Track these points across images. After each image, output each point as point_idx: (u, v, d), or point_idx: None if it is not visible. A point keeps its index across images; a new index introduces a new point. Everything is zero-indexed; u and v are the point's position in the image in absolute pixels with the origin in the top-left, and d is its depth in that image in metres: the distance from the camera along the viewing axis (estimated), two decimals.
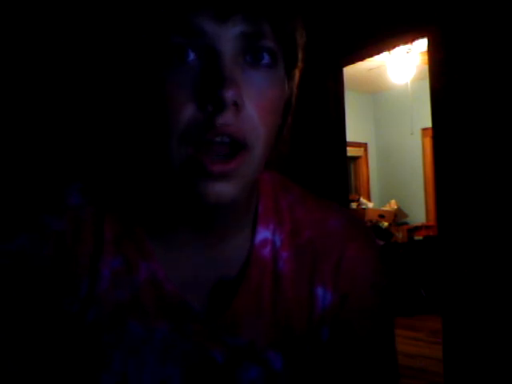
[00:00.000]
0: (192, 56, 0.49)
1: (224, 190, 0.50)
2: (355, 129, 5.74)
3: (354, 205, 5.78)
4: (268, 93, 0.51)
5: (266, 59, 0.51)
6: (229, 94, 0.47)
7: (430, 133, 3.58)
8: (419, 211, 6.11)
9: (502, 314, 2.17)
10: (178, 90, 0.48)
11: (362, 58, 3.17)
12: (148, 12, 0.49)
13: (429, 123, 2.61)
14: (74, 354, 0.55)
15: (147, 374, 0.56)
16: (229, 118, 0.48)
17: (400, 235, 5.47)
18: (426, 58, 2.67)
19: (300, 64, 0.57)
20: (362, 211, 5.74)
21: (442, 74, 2.39)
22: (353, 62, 3.16)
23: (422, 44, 3.94)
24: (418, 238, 5.40)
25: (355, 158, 6.58)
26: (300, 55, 0.56)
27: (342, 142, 3.17)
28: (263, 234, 0.62)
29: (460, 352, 2.34)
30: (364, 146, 6.64)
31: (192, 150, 0.49)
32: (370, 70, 5.19)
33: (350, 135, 3.56)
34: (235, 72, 0.49)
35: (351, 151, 5.47)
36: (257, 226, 0.62)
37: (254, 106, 0.50)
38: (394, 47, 3.20)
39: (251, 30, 0.49)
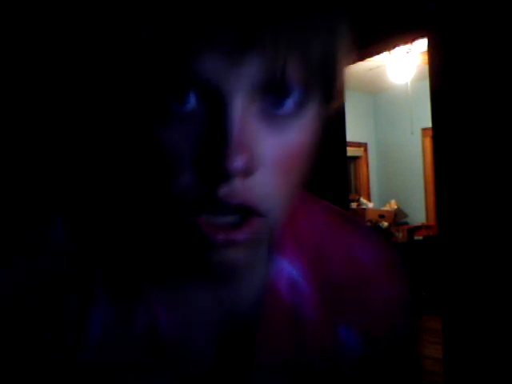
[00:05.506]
0: (193, 103, 0.37)
1: (235, 257, 0.40)
2: (355, 129, 5.74)
3: (353, 205, 5.78)
4: (291, 145, 0.40)
5: (290, 104, 0.38)
6: (237, 164, 0.35)
7: (430, 133, 3.58)
8: (419, 211, 6.11)
9: (501, 313, 2.17)
10: (174, 147, 0.37)
11: (362, 58, 3.17)
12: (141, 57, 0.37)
13: (429, 123, 2.61)
14: None
15: None
16: (234, 187, 0.37)
17: (400, 235, 5.47)
18: (426, 57, 2.67)
19: (339, 99, 0.44)
20: (362, 211, 5.74)
21: (442, 74, 2.39)
22: (353, 62, 3.16)
23: (422, 44, 3.94)
24: (418, 238, 5.41)
25: (355, 158, 6.59)
26: (340, 89, 0.44)
27: (342, 142, 3.17)
28: (279, 264, 0.52)
29: (460, 352, 2.34)
30: (364, 145, 6.64)
31: (191, 215, 0.39)
32: (370, 69, 5.18)
33: (350, 135, 3.56)
34: (247, 126, 0.37)
35: (351, 151, 5.48)
36: (272, 255, 0.51)
37: (271, 165, 0.38)
38: (394, 47, 3.20)
39: (270, 70, 0.36)
